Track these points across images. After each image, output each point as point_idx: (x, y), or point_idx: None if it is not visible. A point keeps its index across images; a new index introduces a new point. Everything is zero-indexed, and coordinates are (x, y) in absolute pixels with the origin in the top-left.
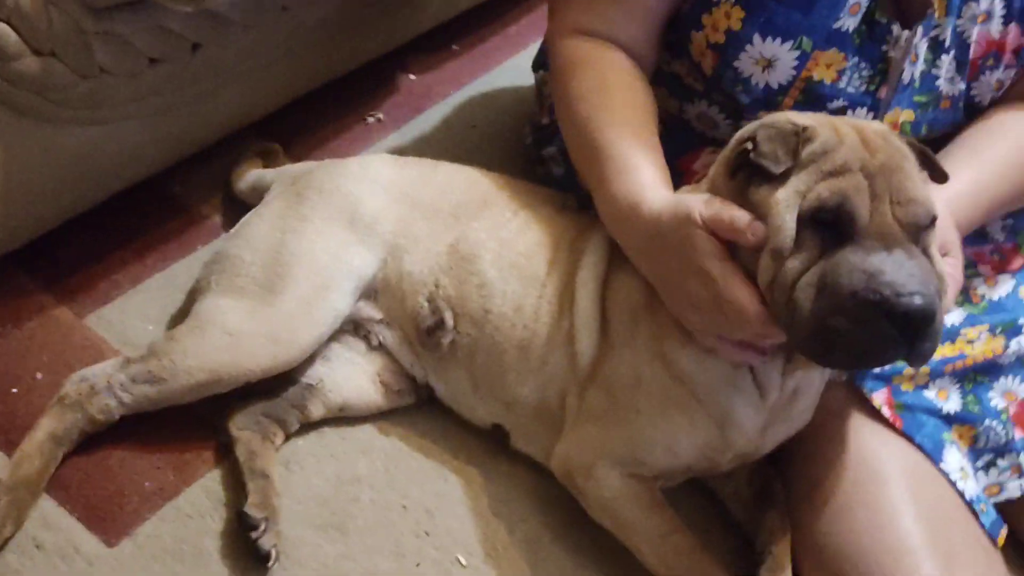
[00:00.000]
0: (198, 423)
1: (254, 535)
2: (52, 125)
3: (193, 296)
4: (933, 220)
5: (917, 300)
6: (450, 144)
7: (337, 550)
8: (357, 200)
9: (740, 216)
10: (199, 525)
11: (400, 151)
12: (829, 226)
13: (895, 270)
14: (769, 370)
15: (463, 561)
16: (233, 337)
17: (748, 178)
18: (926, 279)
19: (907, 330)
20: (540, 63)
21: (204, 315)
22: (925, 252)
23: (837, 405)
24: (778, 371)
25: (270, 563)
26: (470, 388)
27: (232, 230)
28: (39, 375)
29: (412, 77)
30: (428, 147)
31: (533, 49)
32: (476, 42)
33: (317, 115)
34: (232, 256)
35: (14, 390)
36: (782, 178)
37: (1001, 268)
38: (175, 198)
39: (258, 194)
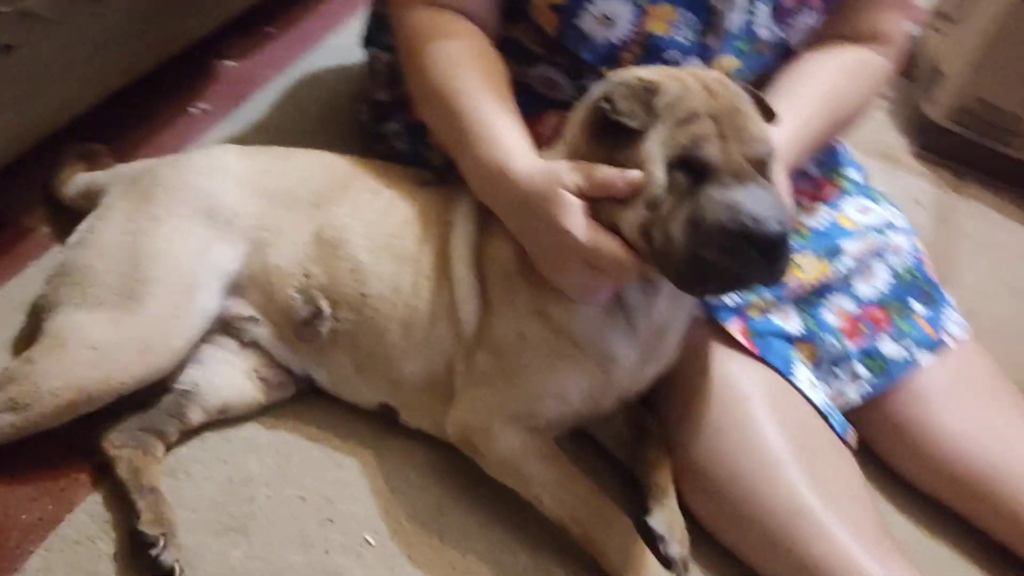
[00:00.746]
0: (68, 447)
1: (153, 552)
2: None
3: (39, 314)
4: (771, 154)
5: (775, 226)
6: (283, 129)
7: (242, 551)
8: (211, 195)
9: (611, 172)
10: (90, 550)
11: (233, 141)
12: (689, 169)
13: (752, 202)
14: (638, 311)
15: (371, 540)
16: (98, 351)
17: (610, 137)
18: (778, 207)
19: (768, 253)
20: (371, 39)
21: (61, 332)
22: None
23: (699, 339)
24: (646, 311)
25: None
26: (353, 371)
27: (72, 239)
28: None
29: (231, 63)
30: (261, 134)
31: (352, 26)
32: (291, 22)
33: (138, 111)
34: (81, 267)
35: None
36: (641, 133)
37: (815, 198)
38: None
39: (90, 199)
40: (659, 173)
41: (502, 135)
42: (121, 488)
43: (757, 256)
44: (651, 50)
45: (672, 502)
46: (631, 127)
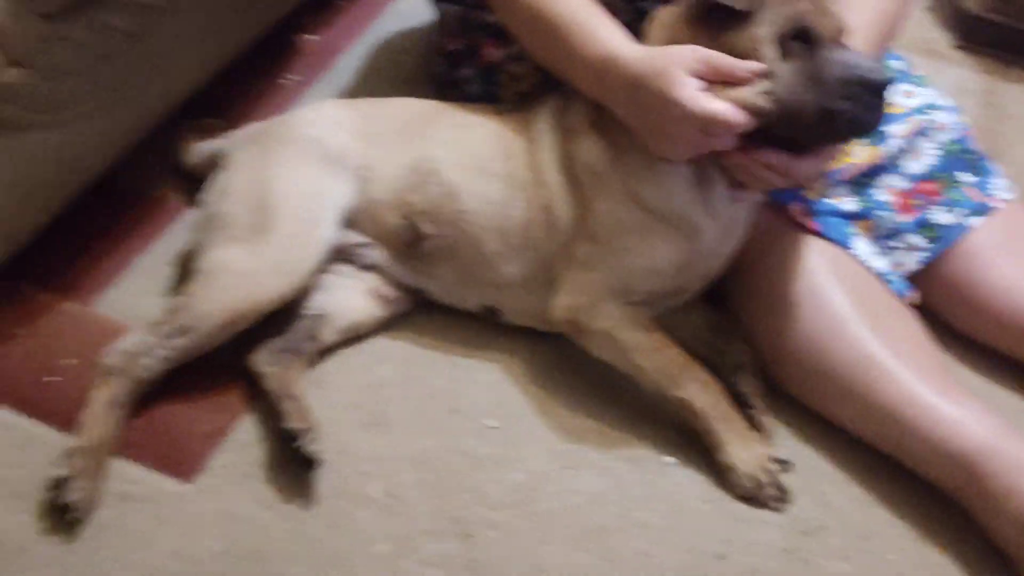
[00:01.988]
0: (228, 371)
1: (297, 444)
2: (26, 133)
3: (189, 260)
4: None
5: (881, 74)
6: (364, 90)
7: (385, 441)
8: (320, 141)
9: (731, 60)
10: (259, 450)
11: None
12: (802, 38)
13: (857, 59)
14: (716, 189)
15: (492, 424)
16: (243, 276)
17: (715, 25)
18: (873, 61)
19: (880, 97)
20: None
21: (210, 267)
22: None
23: (764, 222)
24: (724, 188)
25: (317, 466)
26: (458, 281)
27: (207, 194)
28: (72, 361)
29: (312, 37)
30: (346, 96)
31: None
32: None
33: (238, 87)
34: (220, 213)
35: (54, 378)
36: (748, 16)
37: None
38: (131, 187)
39: (212, 164)
40: (771, 51)
41: (606, 33)
42: (270, 398)
43: (873, 100)
44: None
45: (751, 374)
46: (738, 9)
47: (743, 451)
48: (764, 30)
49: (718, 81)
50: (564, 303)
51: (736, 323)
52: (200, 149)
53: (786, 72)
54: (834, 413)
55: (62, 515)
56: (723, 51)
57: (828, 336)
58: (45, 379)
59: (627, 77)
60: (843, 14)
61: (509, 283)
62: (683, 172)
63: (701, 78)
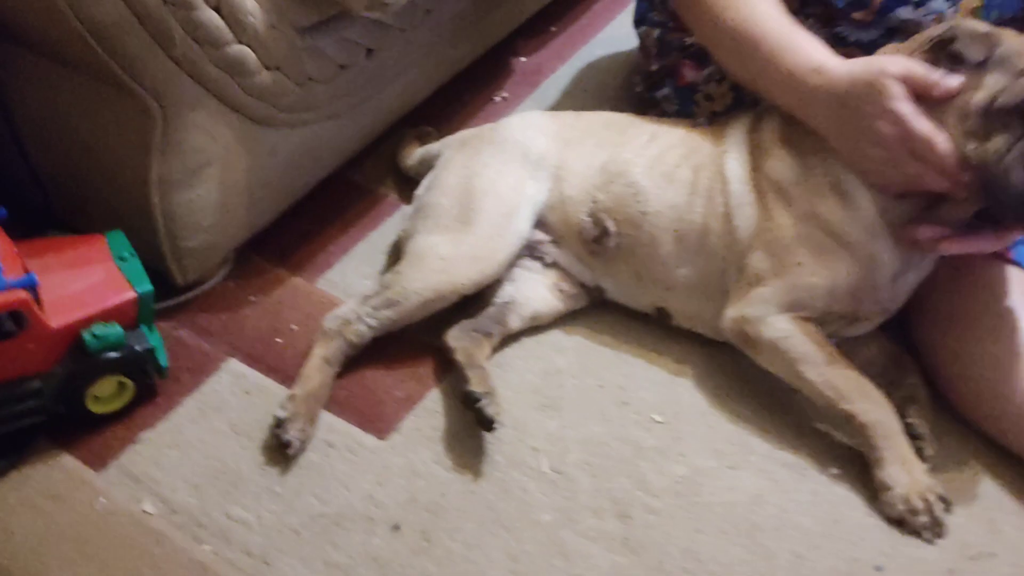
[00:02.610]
0: (424, 347)
1: (478, 405)
2: (276, 129)
3: (401, 244)
4: None
5: None
6: (570, 106)
7: (557, 423)
8: (524, 143)
9: (932, 70)
10: (445, 418)
11: None
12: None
13: None
14: (900, 224)
15: (658, 419)
16: (445, 261)
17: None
18: None
19: None
20: (641, 20)
21: (419, 250)
22: None
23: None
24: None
25: (494, 427)
26: (633, 280)
27: (422, 187)
28: (294, 327)
29: (524, 59)
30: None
31: (620, 20)
32: (570, 22)
33: (454, 101)
34: (430, 204)
35: (279, 340)
36: (976, 71)
37: None
38: (356, 183)
39: (427, 166)
40: (981, 102)
41: (808, 45)
42: (457, 367)
43: None
44: None
45: (925, 409)
46: (970, 59)
47: (903, 474)
48: (985, 93)
49: (916, 91)
50: (735, 314)
51: (912, 357)
52: (417, 153)
53: (1000, 140)
54: (1010, 440)
55: (279, 451)
56: (946, 102)
57: (1011, 362)
58: (274, 340)
59: (834, 88)
60: None
61: (681, 286)
62: (870, 200)
63: (906, 83)
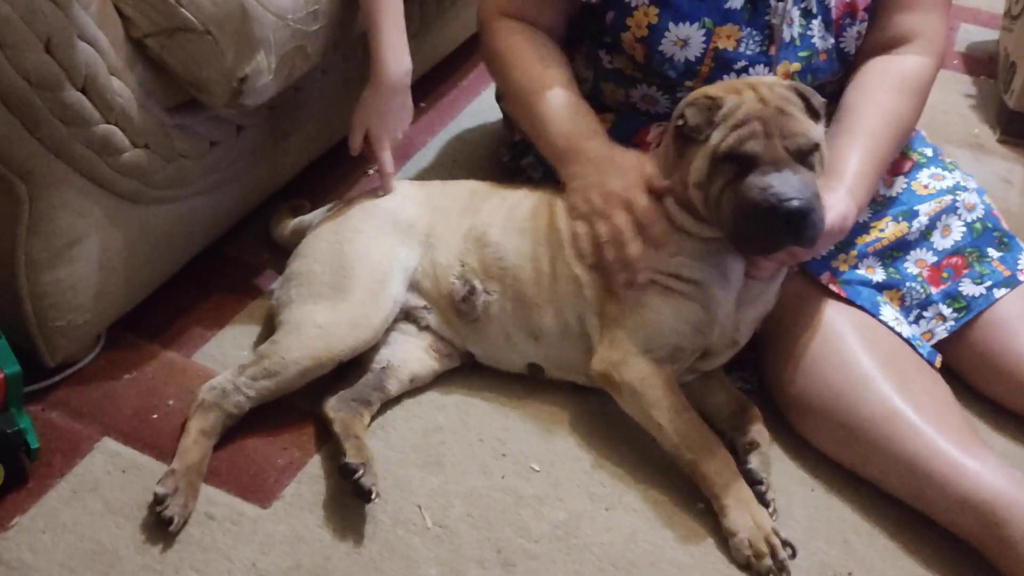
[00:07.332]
0: (303, 415)
1: (355, 477)
2: (147, 206)
3: (275, 313)
4: (815, 146)
5: (795, 203)
6: (440, 177)
7: (439, 479)
8: (395, 211)
9: (652, 212)
10: (328, 483)
11: None
12: (738, 161)
13: (781, 183)
14: (731, 266)
15: (536, 467)
16: (323, 328)
17: (687, 140)
18: (804, 186)
19: (791, 223)
20: (501, 95)
21: (294, 319)
22: (812, 168)
23: (795, 289)
24: (739, 265)
25: (372, 498)
26: (503, 340)
27: (293, 256)
28: (171, 402)
29: None
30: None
31: (486, 95)
32: (439, 97)
33: (328, 175)
34: (303, 272)
35: (155, 416)
36: (706, 138)
37: (893, 173)
38: (232, 257)
39: (300, 237)
40: (702, 165)
41: (581, 117)
42: (335, 439)
43: (782, 226)
44: (722, 62)
45: (766, 455)
46: (699, 126)
47: (746, 519)
48: (704, 148)
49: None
50: (599, 357)
51: (756, 407)
52: (291, 224)
53: (718, 183)
54: (857, 465)
55: (158, 528)
56: (686, 164)
57: (854, 392)
58: (151, 416)
59: (600, 152)
60: (812, 132)
61: (548, 335)
62: (696, 243)
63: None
